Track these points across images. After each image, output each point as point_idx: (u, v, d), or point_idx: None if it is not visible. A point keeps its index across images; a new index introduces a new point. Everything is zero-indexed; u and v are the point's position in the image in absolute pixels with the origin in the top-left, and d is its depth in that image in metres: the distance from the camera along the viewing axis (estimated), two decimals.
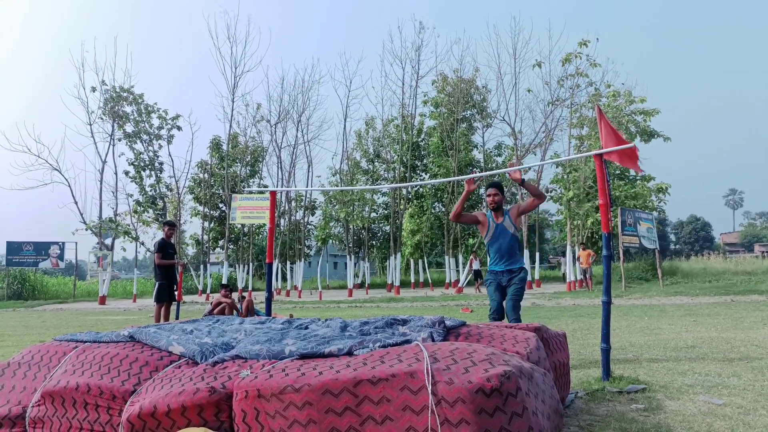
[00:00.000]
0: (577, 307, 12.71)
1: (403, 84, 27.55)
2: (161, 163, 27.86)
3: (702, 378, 4.27)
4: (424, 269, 30.39)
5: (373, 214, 30.47)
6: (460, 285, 24.26)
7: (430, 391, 2.04)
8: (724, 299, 13.20)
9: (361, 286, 29.33)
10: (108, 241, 26.44)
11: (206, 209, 30.39)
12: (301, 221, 30.93)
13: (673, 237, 73.67)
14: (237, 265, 29.65)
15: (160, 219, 26.56)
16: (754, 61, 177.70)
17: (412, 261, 30.81)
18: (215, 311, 9.64)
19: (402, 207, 28.12)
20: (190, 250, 33.47)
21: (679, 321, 8.56)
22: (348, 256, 27.86)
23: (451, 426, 1.99)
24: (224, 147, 29.53)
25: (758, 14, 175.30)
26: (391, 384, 2.11)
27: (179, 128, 28.19)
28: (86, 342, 3.09)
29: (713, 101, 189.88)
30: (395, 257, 26.02)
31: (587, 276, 19.39)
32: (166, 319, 8.50)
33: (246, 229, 30.13)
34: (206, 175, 30.42)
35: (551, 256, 53.23)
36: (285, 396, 2.16)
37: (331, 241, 32.27)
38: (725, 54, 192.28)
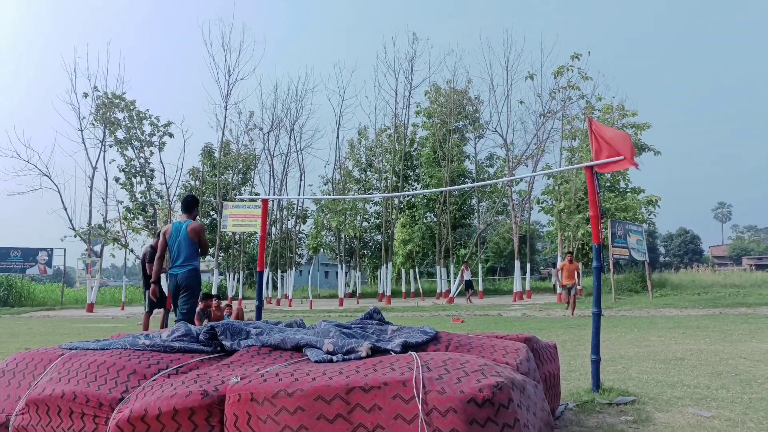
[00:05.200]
0: (567, 319, 12.74)
1: (396, 94, 27.72)
2: (152, 170, 27.64)
3: (691, 390, 4.29)
4: (415, 279, 30.38)
5: (364, 224, 30.45)
6: (451, 295, 24.26)
7: (420, 400, 2.03)
8: (712, 312, 13.29)
9: (352, 295, 29.23)
10: (97, 248, 26.21)
11: (197, 217, 30.25)
12: (293, 230, 30.85)
13: (662, 249, 74.16)
14: (227, 273, 29.48)
15: (150, 226, 26.37)
16: (746, 76, 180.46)
17: (403, 271, 30.81)
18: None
19: (394, 216, 28.13)
20: None
21: (668, 333, 8.60)
22: (339, 265, 27.79)
23: None
24: (216, 154, 29.46)
25: (751, 29, 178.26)
26: (383, 392, 2.10)
27: (171, 135, 28.05)
28: (79, 350, 3.05)
29: (704, 115, 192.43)
30: (386, 267, 25.99)
31: (572, 295, 14.24)
32: (162, 326, 8.41)
33: (237, 237, 30.00)
34: (197, 183, 30.30)
35: (542, 268, 53.42)
36: (278, 400, 2.14)
37: (322, 250, 32.20)
38: (717, 67, 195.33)
